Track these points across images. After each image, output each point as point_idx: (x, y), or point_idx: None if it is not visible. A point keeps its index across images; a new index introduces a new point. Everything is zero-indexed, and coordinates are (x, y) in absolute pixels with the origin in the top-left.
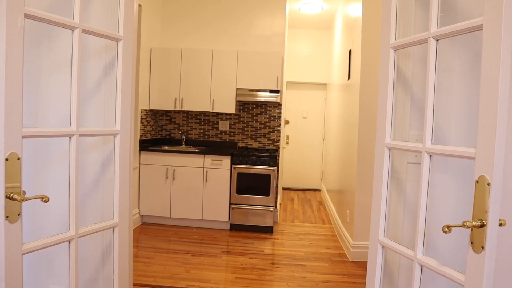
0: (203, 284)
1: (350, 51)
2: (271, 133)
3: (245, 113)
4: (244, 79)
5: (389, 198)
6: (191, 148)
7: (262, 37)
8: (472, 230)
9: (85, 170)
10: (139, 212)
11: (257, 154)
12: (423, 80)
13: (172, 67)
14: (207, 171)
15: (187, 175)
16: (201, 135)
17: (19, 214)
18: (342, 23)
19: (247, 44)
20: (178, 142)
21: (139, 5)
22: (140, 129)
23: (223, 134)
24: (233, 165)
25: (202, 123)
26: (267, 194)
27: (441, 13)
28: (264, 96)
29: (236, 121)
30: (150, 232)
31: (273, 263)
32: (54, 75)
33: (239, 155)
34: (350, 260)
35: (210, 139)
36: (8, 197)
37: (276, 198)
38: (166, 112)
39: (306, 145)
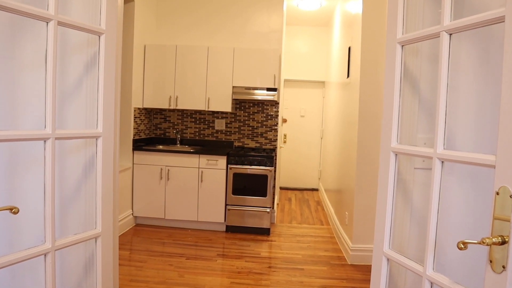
0: None
1: (349, 49)
2: (268, 132)
3: (242, 112)
4: (241, 77)
5: (394, 206)
6: (186, 148)
7: (259, 34)
8: (491, 247)
9: (66, 175)
10: (132, 213)
11: (253, 154)
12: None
13: (167, 64)
14: (202, 171)
15: (182, 176)
16: (197, 134)
17: None
18: (341, 20)
19: (244, 41)
20: (173, 142)
21: (133, 0)
22: (134, 128)
23: (219, 133)
24: (229, 165)
25: (198, 122)
26: (264, 195)
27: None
28: (261, 95)
29: (233, 120)
30: (144, 234)
31: (270, 267)
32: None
33: (235, 155)
34: (349, 263)
35: (206, 138)
36: None
37: (273, 199)
38: (161, 111)
39: (304, 144)
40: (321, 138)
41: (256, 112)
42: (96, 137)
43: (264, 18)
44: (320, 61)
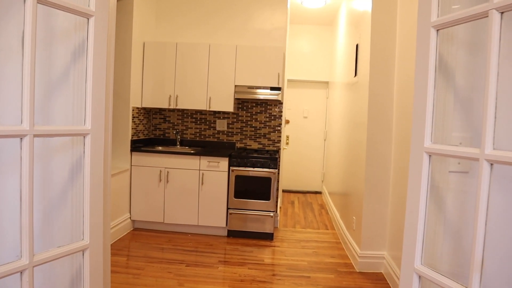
0: None
1: (357, 46)
2: (272, 133)
3: (244, 112)
4: (243, 76)
5: (427, 215)
6: (186, 149)
7: (262, 32)
8: None
9: (50, 179)
10: (130, 217)
11: (256, 155)
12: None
13: (167, 62)
14: (203, 174)
15: (181, 178)
16: (197, 135)
17: None
18: (347, 17)
19: (247, 38)
20: (172, 142)
21: None
22: (132, 128)
23: (221, 134)
24: (231, 167)
25: (198, 122)
26: (267, 198)
27: None
28: (264, 94)
29: (235, 120)
30: (142, 239)
31: (274, 275)
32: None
33: (237, 156)
34: (358, 271)
35: (207, 139)
36: None
37: (277, 202)
38: (160, 111)
39: (307, 146)
40: (325, 140)
41: (259, 112)
42: (84, 135)
43: (268, 15)
44: (324, 61)
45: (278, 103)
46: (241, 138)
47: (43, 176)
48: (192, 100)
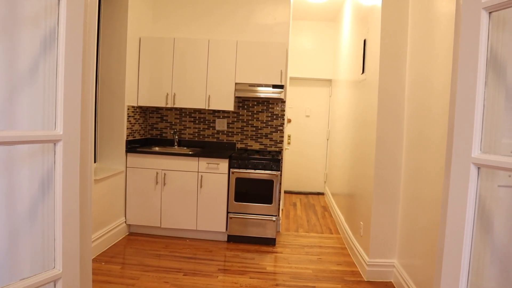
0: None
1: (364, 42)
2: (274, 133)
3: (245, 111)
4: (244, 73)
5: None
6: (184, 150)
7: (264, 27)
8: None
9: (16, 195)
10: (125, 221)
11: (258, 156)
12: None
13: (164, 58)
14: (202, 176)
15: (179, 180)
16: (196, 135)
17: None
18: (353, 12)
19: (248, 34)
20: (170, 143)
21: None
22: (127, 128)
23: (220, 134)
24: (231, 169)
25: (197, 121)
26: (269, 202)
27: None
28: (266, 92)
29: (235, 119)
30: (138, 245)
31: (277, 285)
32: None
33: (238, 157)
34: (366, 280)
35: (206, 139)
36: None
37: (279, 206)
38: (157, 109)
39: (309, 146)
40: (327, 140)
41: (260, 111)
42: (54, 142)
43: (270, 10)
44: (327, 58)
45: (281, 101)
46: (241, 138)
47: (7, 191)
48: (191, 98)
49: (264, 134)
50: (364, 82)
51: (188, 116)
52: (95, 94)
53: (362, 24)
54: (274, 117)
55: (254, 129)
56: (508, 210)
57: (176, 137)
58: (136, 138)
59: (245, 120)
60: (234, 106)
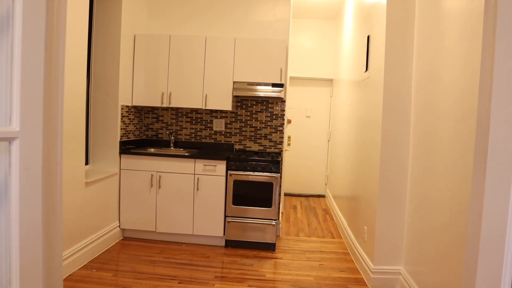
0: None
1: (368, 38)
2: (273, 134)
3: (243, 111)
4: (243, 71)
5: None
6: (180, 151)
7: (263, 24)
8: None
9: None
10: (119, 226)
11: (257, 158)
12: None
13: (159, 56)
14: (198, 178)
15: (175, 183)
16: (193, 135)
17: None
18: (355, 9)
19: (246, 31)
20: (166, 144)
21: None
22: (121, 129)
23: (218, 134)
24: (229, 171)
25: (194, 122)
26: (269, 205)
27: None
28: (266, 91)
29: (233, 119)
30: (131, 250)
31: None
32: None
33: (236, 159)
34: (370, 287)
35: (203, 140)
36: None
37: (279, 210)
38: (153, 109)
39: (310, 147)
40: (329, 141)
41: (259, 111)
42: (9, 140)
43: (269, 6)
44: (328, 57)
45: (281, 101)
46: (240, 139)
47: None
48: (187, 97)
49: (263, 135)
50: (368, 80)
51: (184, 116)
52: (87, 93)
53: (365, 21)
54: (274, 117)
55: (253, 129)
56: None
57: (172, 138)
58: (131, 139)
59: (243, 120)
60: (232, 105)
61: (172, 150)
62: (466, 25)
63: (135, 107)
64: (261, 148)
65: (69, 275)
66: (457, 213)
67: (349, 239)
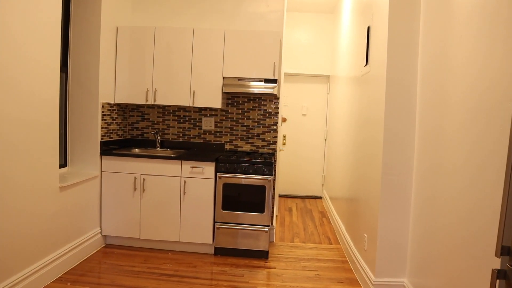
0: None
1: (368, 29)
2: (266, 133)
3: (234, 108)
4: (233, 66)
5: None
6: (166, 152)
7: (255, 15)
8: None
9: None
10: (100, 232)
11: (248, 159)
12: None
13: (144, 50)
14: (185, 181)
15: (160, 186)
16: (180, 135)
17: None
18: (353, 3)
19: (238, 23)
20: (152, 144)
21: None
22: (102, 128)
23: (207, 134)
24: (218, 174)
25: (182, 120)
26: (261, 210)
27: None
28: (258, 87)
29: (223, 118)
30: (113, 259)
31: None
32: None
33: (226, 161)
34: None
35: (192, 140)
36: None
37: (272, 215)
38: (138, 107)
39: (306, 146)
40: (325, 140)
41: (251, 109)
42: None
43: None
44: (324, 52)
45: (274, 98)
46: (231, 139)
47: None
48: (173, 94)
49: (255, 134)
50: (368, 75)
51: (171, 115)
52: (65, 89)
53: (365, 11)
54: (267, 115)
55: (244, 128)
56: None
57: (158, 137)
58: (113, 138)
59: (234, 118)
60: (222, 103)
61: (158, 150)
62: (482, 10)
63: (118, 104)
64: (254, 148)
65: None
66: (468, 217)
67: (348, 246)
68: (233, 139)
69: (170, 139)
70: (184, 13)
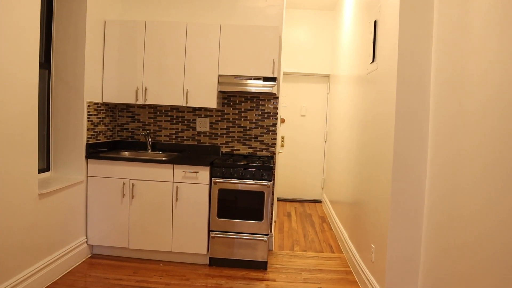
0: None
1: (375, 23)
2: (265, 135)
3: (231, 109)
4: (229, 63)
5: None
6: (158, 155)
7: (254, 10)
8: None
9: None
10: (86, 241)
11: (245, 163)
12: None
13: (133, 46)
14: (177, 187)
15: (150, 192)
16: (173, 137)
17: None
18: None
19: (234, 18)
20: (143, 146)
21: None
22: (88, 129)
23: (202, 136)
24: (214, 179)
25: (174, 121)
26: (260, 218)
27: None
28: (256, 86)
29: (219, 119)
30: (100, 271)
31: None
32: None
33: (221, 165)
34: None
35: (185, 142)
36: None
37: (271, 222)
38: (127, 107)
39: (305, 148)
40: (325, 141)
41: (249, 109)
42: None
43: None
44: (324, 51)
45: (273, 97)
46: (227, 141)
47: None
48: (165, 93)
49: (253, 136)
50: (375, 73)
51: (163, 115)
52: (48, 88)
53: (371, 5)
54: (266, 115)
55: (241, 130)
56: None
57: (150, 139)
58: (101, 140)
59: (231, 119)
60: (218, 102)
61: (149, 153)
62: None
63: (106, 104)
64: (251, 151)
65: None
66: (495, 231)
67: (351, 254)
68: (229, 141)
69: (162, 141)
70: (177, 7)
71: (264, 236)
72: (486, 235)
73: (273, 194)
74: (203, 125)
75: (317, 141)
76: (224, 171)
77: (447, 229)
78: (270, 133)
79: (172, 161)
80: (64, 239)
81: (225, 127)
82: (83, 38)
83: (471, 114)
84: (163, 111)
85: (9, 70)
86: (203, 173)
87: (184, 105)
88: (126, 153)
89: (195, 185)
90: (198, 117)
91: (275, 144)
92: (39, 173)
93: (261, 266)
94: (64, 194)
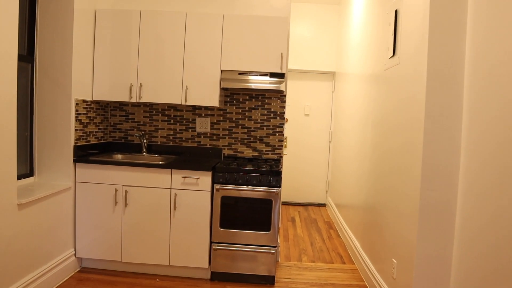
0: None
1: (396, 13)
2: (271, 136)
3: (234, 107)
4: (233, 57)
5: None
6: (154, 158)
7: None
8: None
9: None
10: (75, 254)
11: (251, 168)
12: None
13: (127, 38)
14: (176, 194)
15: (145, 200)
16: (171, 138)
17: None
18: None
19: (239, 8)
20: (138, 148)
21: None
22: (77, 130)
23: (202, 137)
24: (216, 185)
25: (172, 121)
26: (267, 228)
27: None
28: (262, 82)
29: (221, 118)
30: (89, 287)
31: None
32: None
33: (224, 169)
34: None
35: (184, 144)
36: None
37: (278, 232)
38: (121, 105)
39: (308, 149)
40: (330, 142)
41: (253, 108)
42: None
43: None
44: (329, 47)
45: (280, 94)
46: (229, 143)
47: None
48: (162, 90)
49: (258, 138)
50: (396, 68)
51: (160, 114)
52: (31, 84)
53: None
54: (272, 115)
55: (245, 130)
56: None
57: (145, 141)
58: (91, 142)
59: (234, 119)
60: (220, 101)
61: (145, 156)
62: None
63: (97, 102)
64: (256, 154)
65: None
66: None
67: (365, 266)
68: (232, 143)
69: (159, 143)
70: None
71: (272, 248)
72: None
73: (280, 202)
74: (203, 125)
75: (321, 142)
76: (227, 176)
77: (485, 242)
78: (277, 134)
79: (170, 166)
80: (49, 252)
81: (227, 127)
82: (70, 29)
83: None
84: (160, 109)
85: None
86: (204, 178)
87: (183, 103)
88: (119, 156)
89: (195, 192)
90: (198, 117)
91: (282, 146)
92: (20, 178)
93: (268, 280)
94: (48, 202)
